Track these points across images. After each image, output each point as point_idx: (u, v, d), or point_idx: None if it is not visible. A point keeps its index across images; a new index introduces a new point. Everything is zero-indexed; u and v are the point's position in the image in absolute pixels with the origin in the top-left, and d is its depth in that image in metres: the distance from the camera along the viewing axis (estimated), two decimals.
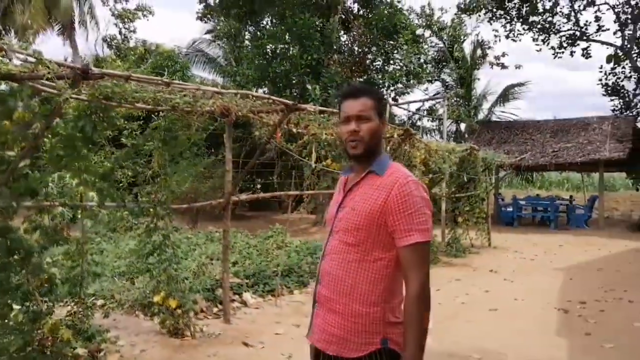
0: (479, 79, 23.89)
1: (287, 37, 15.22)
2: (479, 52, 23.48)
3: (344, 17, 16.85)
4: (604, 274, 9.01)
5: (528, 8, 20.20)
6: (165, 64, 16.72)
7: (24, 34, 19.71)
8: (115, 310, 5.62)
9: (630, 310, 6.58)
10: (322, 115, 6.05)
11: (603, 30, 20.14)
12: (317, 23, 15.02)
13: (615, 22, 19.43)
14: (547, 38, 20.90)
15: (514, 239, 13.45)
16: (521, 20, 20.69)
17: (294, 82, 15.25)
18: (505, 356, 4.85)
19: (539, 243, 12.94)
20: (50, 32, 22.34)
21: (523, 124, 21.29)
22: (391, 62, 16.21)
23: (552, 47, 21.09)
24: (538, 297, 7.15)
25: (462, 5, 21.12)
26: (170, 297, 4.88)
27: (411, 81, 16.69)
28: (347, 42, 16.77)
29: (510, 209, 17.90)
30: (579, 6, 20.15)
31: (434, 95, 23.64)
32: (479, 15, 21.45)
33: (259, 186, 19.24)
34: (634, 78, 19.93)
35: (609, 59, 19.76)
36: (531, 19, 20.51)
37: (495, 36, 22.31)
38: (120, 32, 24.91)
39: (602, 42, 20.16)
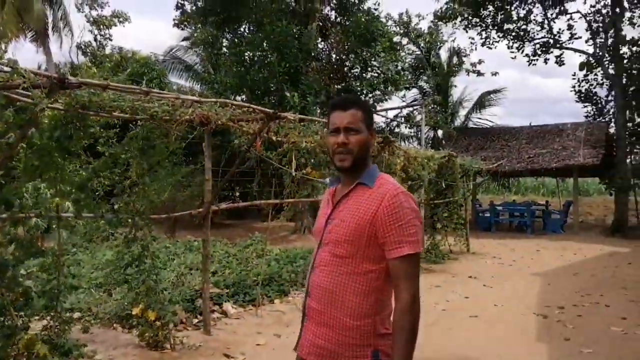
0: (455, 86, 24.25)
1: (265, 44, 15.19)
2: (455, 59, 23.77)
3: (321, 24, 16.91)
4: (580, 278, 9.14)
5: (502, 16, 20.54)
6: (142, 72, 16.57)
7: None
8: (92, 323, 5.50)
9: (606, 314, 6.68)
10: (301, 124, 6.03)
11: (576, 38, 20.64)
12: (294, 30, 15.04)
13: (587, 30, 19.89)
14: (521, 45, 21.27)
15: (492, 245, 13.58)
16: (496, 28, 21.02)
17: (272, 89, 15.21)
18: None
19: (517, 248, 13.08)
20: (23, 38, 22.00)
21: (499, 130, 21.57)
22: (369, 69, 16.28)
23: (527, 55, 21.47)
24: (517, 303, 7.22)
25: (439, 13, 21.37)
26: (149, 309, 4.80)
27: (389, 88, 16.76)
28: (325, 50, 16.83)
29: (487, 214, 18.08)
30: (552, 14, 20.61)
31: (411, 102, 23.85)
32: (455, 23, 21.74)
33: (237, 194, 19.16)
34: (606, 85, 20.40)
35: (581, 66, 20.28)
36: (506, 26, 20.86)
37: (471, 43, 22.65)
38: (95, 39, 24.67)
39: (575, 50, 20.61)
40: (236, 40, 17.17)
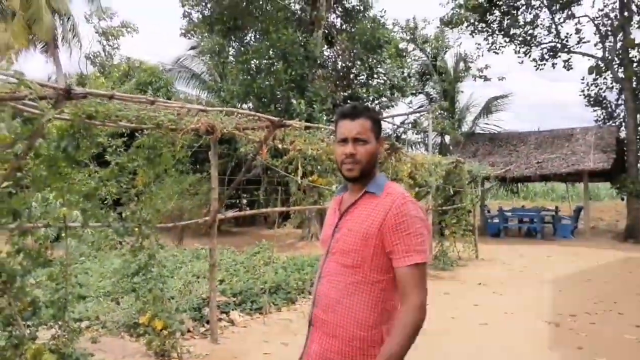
0: (462, 92, 24.20)
1: (271, 52, 15.24)
2: (461, 64, 23.73)
3: (327, 32, 16.94)
4: (593, 285, 9.04)
5: (509, 21, 20.48)
6: (149, 81, 16.66)
7: (6, 52, 19.53)
8: (100, 332, 5.50)
9: (620, 322, 6.57)
10: (307, 131, 6.02)
11: (584, 42, 20.52)
12: (300, 38, 15.08)
13: (595, 34, 19.79)
14: (528, 50, 21.19)
15: (501, 251, 13.48)
16: (502, 33, 20.95)
17: (278, 97, 15.23)
18: None
19: (526, 254, 12.98)
20: (33, 50, 22.21)
21: (507, 135, 21.48)
22: (375, 76, 16.28)
23: (534, 59, 21.38)
24: (528, 311, 7.13)
25: (445, 19, 21.35)
26: (157, 318, 4.79)
27: (395, 95, 16.74)
28: (330, 57, 16.84)
29: (496, 220, 17.98)
30: (559, 19, 20.51)
31: (418, 108, 23.82)
32: (461, 29, 21.70)
33: (244, 202, 19.19)
34: (616, 89, 20.29)
35: (590, 70, 20.16)
36: (512, 31, 20.79)
37: (478, 49, 22.59)
38: (104, 49, 24.85)
39: (583, 54, 20.49)
40: (242, 48, 17.25)
